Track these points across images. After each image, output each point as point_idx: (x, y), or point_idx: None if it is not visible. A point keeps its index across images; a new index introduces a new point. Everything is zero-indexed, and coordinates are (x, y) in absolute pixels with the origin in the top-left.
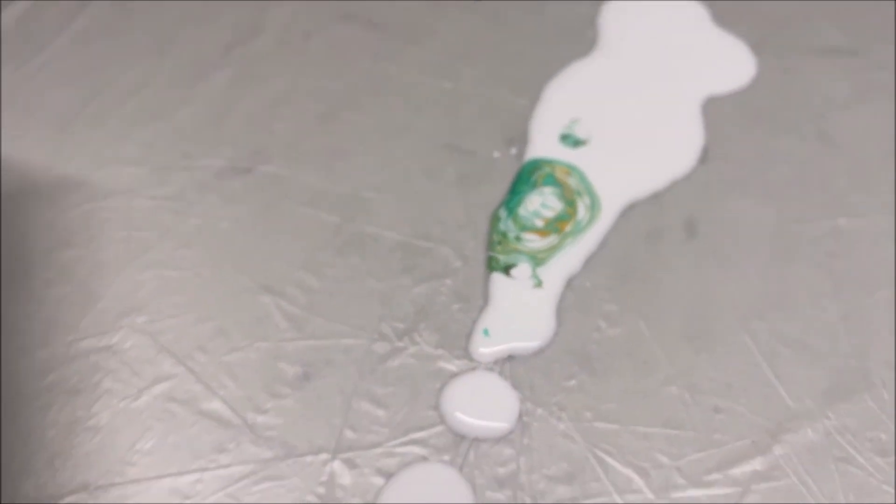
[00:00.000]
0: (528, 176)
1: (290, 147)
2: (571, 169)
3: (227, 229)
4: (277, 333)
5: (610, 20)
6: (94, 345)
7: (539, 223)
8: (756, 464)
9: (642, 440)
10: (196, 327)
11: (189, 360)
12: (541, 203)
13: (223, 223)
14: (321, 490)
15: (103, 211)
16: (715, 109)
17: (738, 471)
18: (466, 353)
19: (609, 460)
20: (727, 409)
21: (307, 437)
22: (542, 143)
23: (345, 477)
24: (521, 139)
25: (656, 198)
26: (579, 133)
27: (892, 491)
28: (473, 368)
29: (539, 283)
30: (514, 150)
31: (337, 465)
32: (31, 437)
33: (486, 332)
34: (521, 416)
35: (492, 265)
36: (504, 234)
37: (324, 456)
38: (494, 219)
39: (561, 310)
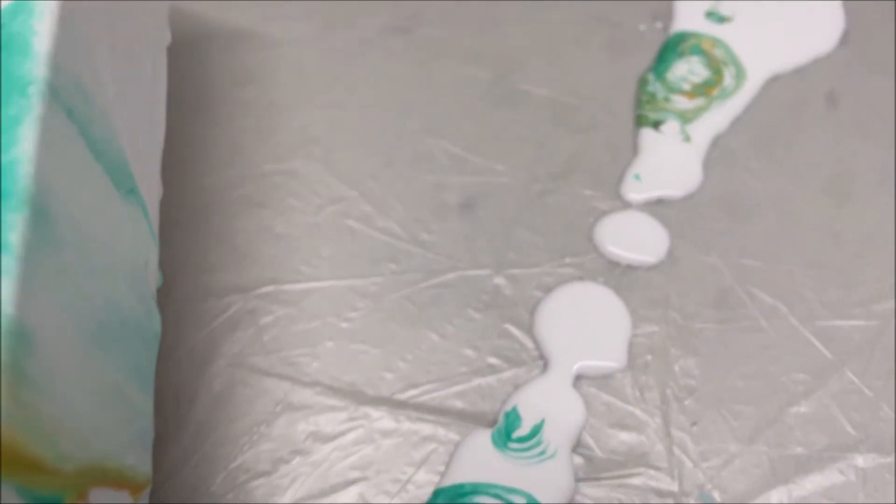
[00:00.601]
0: (674, 46)
1: (445, 12)
2: (717, 41)
3: (389, 81)
4: (440, 168)
5: None
6: (275, 168)
7: (686, 87)
8: None
9: (787, 277)
10: (366, 160)
11: (361, 186)
12: (688, 70)
13: (386, 75)
14: (486, 297)
15: (275, 58)
16: None
17: (880, 307)
18: (618, 196)
19: (755, 291)
20: (868, 255)
21: (472, 255)
22: (688, 18)
23: (508, 289)
24: (666, 15)
25: (798, 72)
26: (724, 11)
27: None
28: (625, 208)
29: (687, 138)
30: (659, 24)
31: (500, 280)
32: (221, 240)
33: (637, 177)
34: (670, 251)
35: (641, 121)
36: (653, 95)
37: (488, 271)
38: (642, 82)
39: (707, 164)
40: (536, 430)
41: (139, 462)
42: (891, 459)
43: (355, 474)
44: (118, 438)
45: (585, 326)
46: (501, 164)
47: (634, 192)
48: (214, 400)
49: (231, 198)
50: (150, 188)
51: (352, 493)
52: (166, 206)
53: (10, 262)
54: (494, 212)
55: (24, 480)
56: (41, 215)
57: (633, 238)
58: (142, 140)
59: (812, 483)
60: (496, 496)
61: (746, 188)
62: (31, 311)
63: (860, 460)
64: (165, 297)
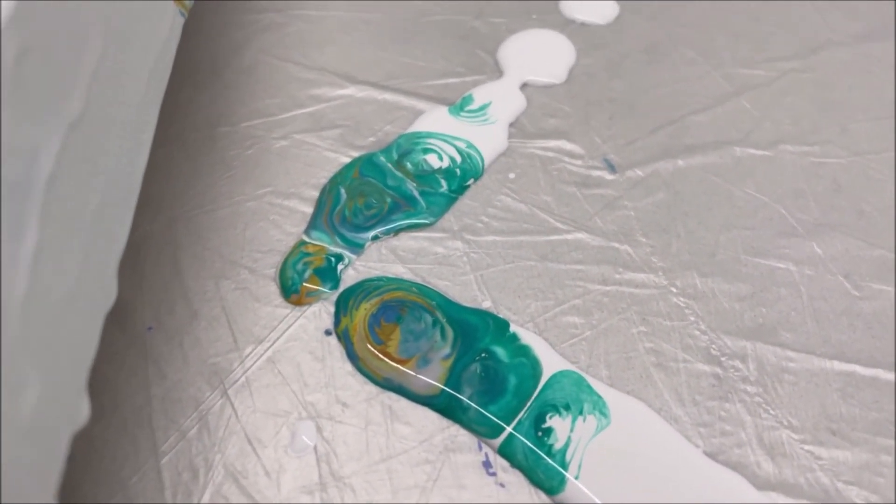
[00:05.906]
0: None
1: None
2: None
3: None
4: None
5: None
6: None
7: None
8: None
9: (709, 41)
10: None
11: None
12: None
13: None
14: (464, 33)
15: None
16: None
17: (781, 65)
18: None
19: (682, 48)
20: (780, 33)
21: (458, 6)
22: None
23: (483, 29)
24: None
25: None
26: None
27: None
28: None
29: None
30: None
31: (477, 23)
32: None
33: None
34: (619, 17)
35: None
36: None
37: (469, 17)
38: None
39: None
40: (484, 107)
41: None
42: (764, 153)
43: (341, 122)
44: None
45: (539, 54)
46: None
47: None
48: (244, 69)
49: None
50: None
51: (335, 133)
52: None
53: None
54: None
55: None
56: None
57: (589, 4)
58: None
59: (695, 161)
60: (444, 139)
61: None
62: None
63: (737, 151)
64: (213, 6)
